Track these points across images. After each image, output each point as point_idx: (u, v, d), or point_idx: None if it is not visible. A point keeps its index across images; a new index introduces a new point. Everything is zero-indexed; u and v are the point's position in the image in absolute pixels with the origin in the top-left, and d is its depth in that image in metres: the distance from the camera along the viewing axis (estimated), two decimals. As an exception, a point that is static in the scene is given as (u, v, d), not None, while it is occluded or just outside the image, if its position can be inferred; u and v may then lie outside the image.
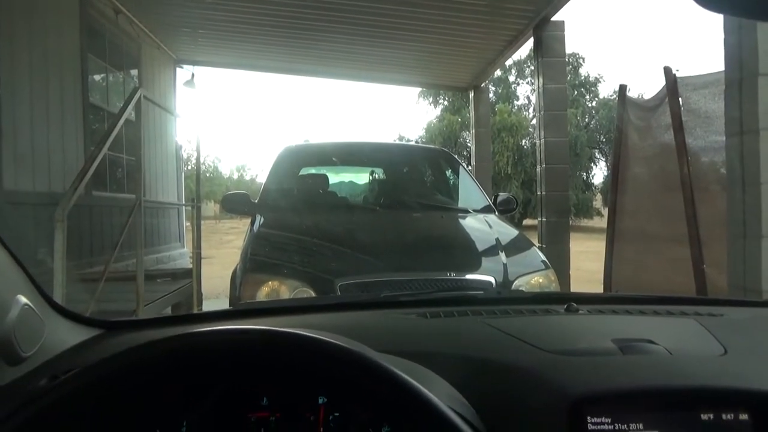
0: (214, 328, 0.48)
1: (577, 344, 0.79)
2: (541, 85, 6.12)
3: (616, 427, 0.63)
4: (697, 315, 0.93)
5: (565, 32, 6.13)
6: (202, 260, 4.97)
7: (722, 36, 2.80)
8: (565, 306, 0.97)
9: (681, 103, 4.16)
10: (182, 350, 0.47)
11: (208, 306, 5.36)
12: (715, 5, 0.40)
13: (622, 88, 5.41)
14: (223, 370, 0.49)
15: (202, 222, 5.04)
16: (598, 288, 6.58)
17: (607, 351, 0.74)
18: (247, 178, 52.32)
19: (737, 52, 2.68)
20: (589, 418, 0.63)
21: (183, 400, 0.69)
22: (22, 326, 0.74)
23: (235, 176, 51.45)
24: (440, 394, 0.62)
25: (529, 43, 6.74)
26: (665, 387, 0.66)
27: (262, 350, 0.47)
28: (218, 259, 12.24)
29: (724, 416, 0.64)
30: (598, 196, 25.07)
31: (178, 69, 9.03)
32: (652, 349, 0.75)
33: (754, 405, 0.65)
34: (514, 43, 7.08)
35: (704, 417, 0.64)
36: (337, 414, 0.74)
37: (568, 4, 5.69)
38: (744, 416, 0.64)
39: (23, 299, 0.76)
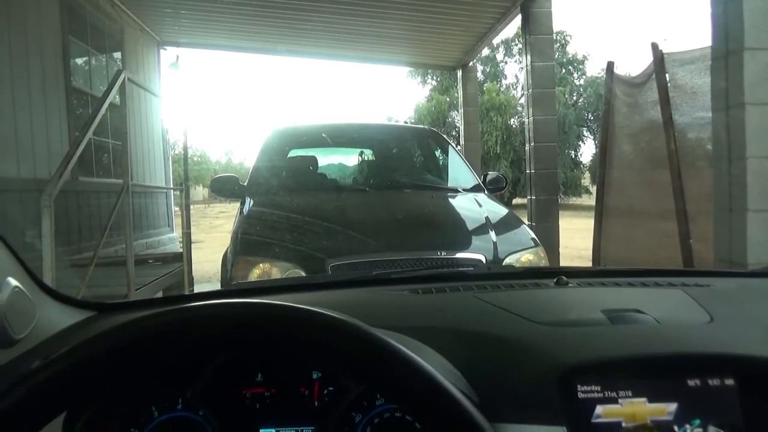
0: (205, 302, 0.48)
1: (567, 315, 0.80)
2: (529, 62, 6.10)
3: (606, 395, 0.65)
4: (684, 286, 0.95)
5: (552, 9, 6.10)
6: (192, 245, 4.95)
7: (709, 10, 2.81)
8: (555, 279, 0.98)
9: (668, 78, 4.17)
10: (173, 325, 0.47)
11: (199, 290, 5.36)
12: None
13: (610, 65, 5.42)
14: (216, 345, 0.49)
15: (191, 207, 5.01)
16: (587, 264, 6.67)
17: (596, 321, 0.76)
18: (236, 161, 51.97)
19: (723, 25, 2.69)
20: (579, 386, 0.65)
21: (178, 377, 0.69)
22: (13, 308, 0.74)
23: (223, 160, 51.08)
24: (433, 364, 0.63)
25: (517, 21, 6.71)
26: (652, 354, 0.67)
27: (255, 323, 0.48)
28: (208, 243, 12.21)
29: (710, 382, 0.66)
30: (587, 174, 25.20)
31: (162, 51, 8.89)
32: (640, 318, 0.76)
33: (740, 370, 0.66)
34: (502, 20, 7.03)
35: (691, 383, 0.66)
36: (331, 388, 0.75)
37: (555, -20, 5.65)
38: (730, 381, 0.66)
39: (13, 281, 0.75)
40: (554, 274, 1.03)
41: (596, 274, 1.10)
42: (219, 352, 0.58)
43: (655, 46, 4.22)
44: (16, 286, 0.76)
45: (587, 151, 27.18)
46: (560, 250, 6.37)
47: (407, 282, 1.06)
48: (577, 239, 9.09)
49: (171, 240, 8.78)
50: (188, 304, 0.48)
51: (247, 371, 0.73)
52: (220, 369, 0.71)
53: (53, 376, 0.46)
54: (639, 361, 0.66)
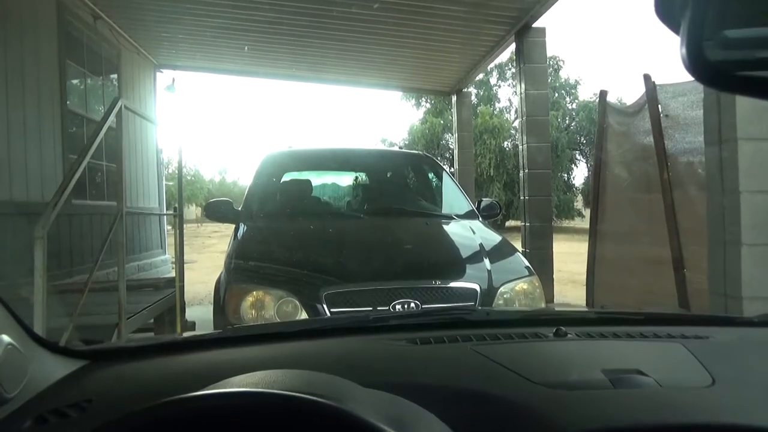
0: (200, 393, 0.49)
1: (568, 375, 0.80)
2: (523, 90, 6.17)
3: None
4: (684, 338, 0.95)
5: (546, 39, 6.20)
6: (184, 265, 4.91)
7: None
8: (554, 330, 0.98)
9: (660, 109, 4.23)
10: (176, 415, 0.47)
11: (191, 313, 5.30)
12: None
13: (603, 94, 5.49)
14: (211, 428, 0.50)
15: (184, 226, 4.98)
16: (580, 290, 6.66)
17: (597, 384, 0.75)
18: (229, 180, 51.93)
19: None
20: None
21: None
22: (5, 367, 0.73)
23: (217, 179, 51.03)
24: None
25: (511, 46, 6.81)
26: (655, 424, 0.66)
27: (248, 412, 0.48)
28: (201, 263, 12.14)
29: None
30: (579, 197, 25.34)
31: (158, 74, 8.94)
32: (641, 381, 0.76)
33: None
34: (496, 49, 7.14)
35: None
36: None
37: (548, 10, 5.76)
38: None
39: (6, 338, 0.74)
40: (553, 322, 1.02)
41: (595, 322, 1.10)
42: None
43: (647, 78, 4.28)
44: (9, 343, 0.74)
45: (580, 174, 27.40)
46: (554, 274, 6.37)
47: (405, 329, 1.05)
48: (570, 263, 9.10)
49: (164, 262, 8.72)
50: (171, 399, 0.48)
51: None
52: None
53: None
54: (643, 430, 0.66)
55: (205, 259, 13.19)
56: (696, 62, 0.40)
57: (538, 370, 0.79)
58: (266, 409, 0.48)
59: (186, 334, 2.42)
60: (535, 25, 6.09)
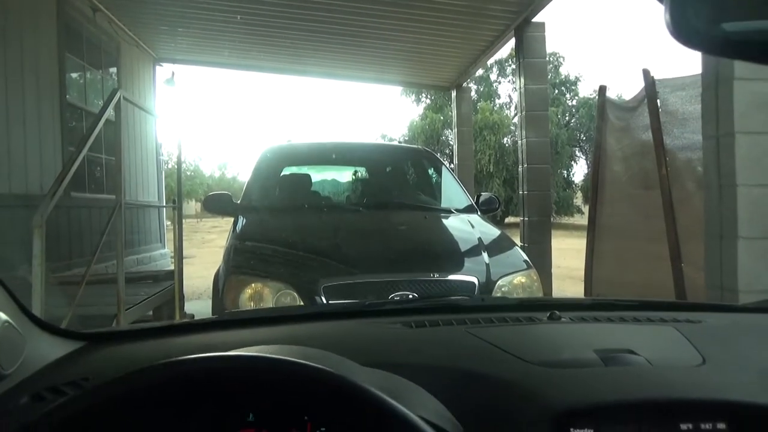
0: (199, 356, 0.49)
1: (561, 355, 0.80)
2: (522, 85, 6.17)
3: None
4: (676, 322, 0.95)
5: (546, 33, 6.19)
6: (184, 260, 4.92)
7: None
8: (548, 314, 0.98)
9: (659, 104, 4.23)
10: (170, 378, 0.47)
11: (190, 307, 5.31)
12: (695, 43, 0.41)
13: (602, 89, 5.48)
14: (210, 394, 0.50)
15: (184, 221, 4.99)
16: (578, 285, 6.68)
17: (589, 362, 0.76)
18: (229, 176, 51.90)
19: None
20: (572, 429, 0.65)
21: (169, 421, 0.69)
22: (2, 344, 0.73)
23: (217, 174, 51.01)
24: (426, 410, 0.63)
25: (511, 43, 6.80)
26: (646, 399, 0.67)
27: (245, 377, 0.48)
28: (200, 258, 12.14)
29: (702, 426, 0.66)
30: (579, 194, 25.34)
31: (157, 67, 8.93)
32: (632, 360, 0.76)
33: (731, 415, 0.67)
34: (496, 44, 7.13)
35: (684, 427, 0.66)
36: (323, 429, 0.74)
37: (548, 5, 5.75)
38: (722, 425, 0.66)
39: (3, 316, 0.75)
40: (547, 307, 1.03)
41: (589, 307, 1.11)
42: (208, 401, 0.58)
43: (646, 73, 4.28)
44: (6, 321, 0.75)
45: (579, 170, 27.38)
46: (553, 270, 6.38)
47: (400, 314, 1.06)
48: (569, 259, 9.11)
49: (163, 256, 8.72)
50: (166, 361, 0.48)
51: (239, 412, 0.73)
52: (212, 411, 0.70)
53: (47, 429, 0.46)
54: (632, 406, 0.67)
55: (204, 254, 13.20)
56: (679, 26, 0.40)
57: (531, 351, 0.79)
58: (258, 375, 0.49)
59: (183, 320, 2.43)
60: (534, 19, 6.08)
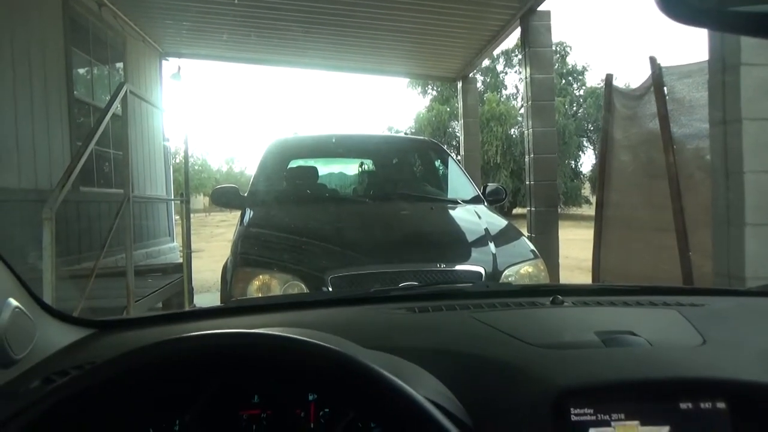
0: (205, 333, 0.49)
1: (562, 337, 0.81)
2: (528, 75, 6.14)
3: (598, 418, 0.65)
4: (679, 305, 0.96)
5: (552, 22, 6.15)
6: (192, 254, 4.96)
7: (706, 25, 2.82)
8: (551, 298, 0.99)
9: (666, 92, 4.20)
10: (173, 355, 0.48)
11: (199, 300, 5.36)
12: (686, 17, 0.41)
13: (609, 78, 5.44)
14: (214, 372, 0.50)
15: (192, 215, 5.02)
16: (586, 276, 6.67)
17: (590, 344, 0.76)
18: (236, 170, 52.04)
19: (720, 41, 2.71)
20: (572, 409, 0.65)
21: (175, 400, 0.70)
22: (13, 329, 0.75)
23: (224, 169, 51.16)
24: (428, 390, 0.64)
25: (517, 33, 6.76)
26: (645, 378, 0.68)
27: (251, 353, 0.49)
28: (208, 252, 12.20)
29: (702, 405, 0.67)
30: (587, 184, 25.20)
31: (163, 62, 8.95)
32: (633, 341, 0.77)
33: (730, 393, 0.67)
34: (501, 33, 7.09)
35: (683, 406, 0.66)
36: (327, 410, 0.76)
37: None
38: (721, 404, 0.67)
39: (14, 302, 0.76)
40: (551, 292, 1.03)
41: (593, 292, 1.11)
42: (212, 379, 0.59)
43: (653, 60, 4.25)
44: (17, 307, 0.77)
45: (587, 161, 27.21)
46: (560, 260, 6.37)
47: (404, 300, 1.07)
48: (576, 250, 9.09)
49: (171, 249, 8.78)
50: (180, 336, 0.49)
51: (244, 393, 0.74)
52: (217, 391, 0.72)
53: (54, 404, 0.47)
54: (631, 385, 0.67)
55: (212, 248, 13.25)
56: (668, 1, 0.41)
57: (533, 334, 0.80)
58: (258, 351, 0.49)
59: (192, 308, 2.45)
60: (540, 8, 6.04)
